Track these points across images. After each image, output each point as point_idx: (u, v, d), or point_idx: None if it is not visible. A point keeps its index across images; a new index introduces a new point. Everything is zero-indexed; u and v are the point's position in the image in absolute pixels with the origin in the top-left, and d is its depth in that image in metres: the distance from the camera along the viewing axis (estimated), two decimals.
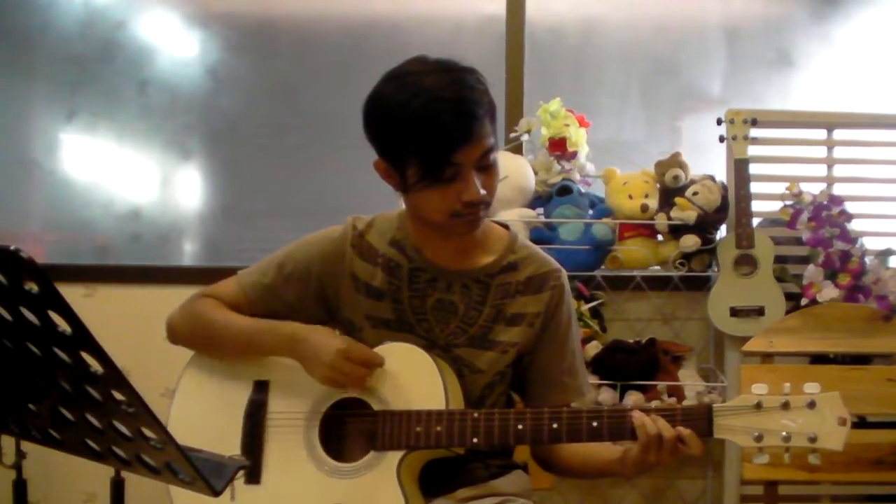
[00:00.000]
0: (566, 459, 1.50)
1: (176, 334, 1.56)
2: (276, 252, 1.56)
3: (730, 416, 1.30)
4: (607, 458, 1.42)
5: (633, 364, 2.32)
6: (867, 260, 2.28)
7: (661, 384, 2.33)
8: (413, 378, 1.42)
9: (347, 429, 1.46)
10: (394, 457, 1.39)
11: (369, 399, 1.43)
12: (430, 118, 1.31)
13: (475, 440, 1.38)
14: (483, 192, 1.37)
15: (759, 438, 1.28)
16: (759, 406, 1.29)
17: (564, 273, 1.56)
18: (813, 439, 1.27)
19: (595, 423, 1.35)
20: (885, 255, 2.32)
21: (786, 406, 1.28)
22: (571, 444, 1.46)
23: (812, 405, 1.28)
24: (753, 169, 2.40)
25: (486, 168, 1.38)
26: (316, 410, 1.45)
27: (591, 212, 2.44)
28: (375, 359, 1.41)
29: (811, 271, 2.27)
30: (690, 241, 2.37)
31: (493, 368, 1.49)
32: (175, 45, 3.01)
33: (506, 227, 1.58)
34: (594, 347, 2.35)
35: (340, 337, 1.44)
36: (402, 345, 1.45)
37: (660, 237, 2.47)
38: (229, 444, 1.47)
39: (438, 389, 1.39)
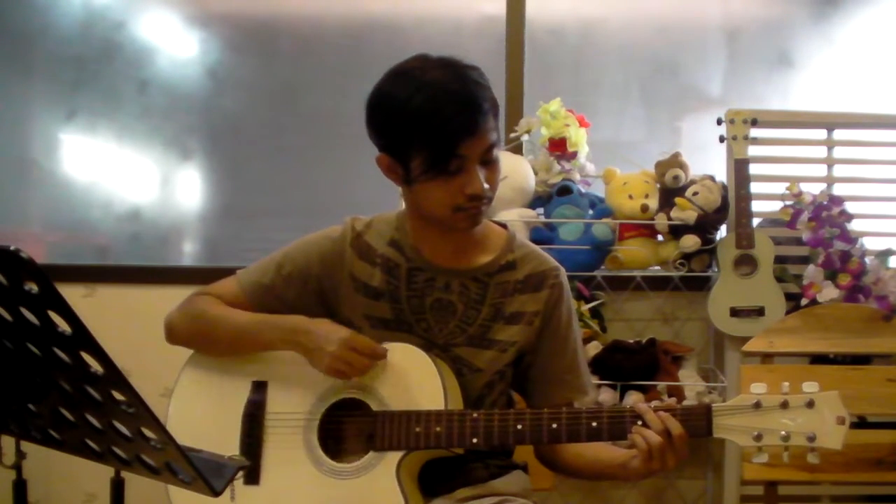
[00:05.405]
0: (570, 462, 1.50)
1: (174, 333, 1.55)
2: (275, 252, 1.56)
3: (729, 415, 1.30)
4: (611, 462, 1.41)
5: (634, 364, 2.32)
6: (867, 260, 2.28)
7: (661, 384, 2.33)
8: (412, 378, 1.42)
9: (346, 429, 1.46)
10: (393, 457, 1.39)
11: (368, 399, 1.43)
12: (437, 111, 1.31)
13: (475, 440, 1.38)
14: (486, 186, 1.37)
15: (758, 438, 1.28)
16: (757, 405, 1.29)
17: (563, 271, 1.56)
18: (812, 438, 1.27)
19: (594, 424, 1.35)
20: (885, 255, 2.32)
21: (784, 405, 1.28)
22: (575, 446, 1.47)
23: (811, 404, 1.28)
24: (753, 169, 2.40)
25: (490, 163, 1.38)
26: (315, 411, 1.45)
27: (591, 212, 2.44)
28: (379, 350, 1.41)
29: (811, 271, 2.27)
30: (690, 242, 2.37)
31: (493, 367, 1.49)
32: (175, 45, 3.01)
33: (504, 226, 1.58)
34: (594, 347, 2.35)
35: (343, 328, 1.43)
36: (401, 345, 1.45)
37: (660, 237, 2.47)
38: (228, 445, 1.47)
39: (438, 390, 1.39)
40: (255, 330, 1.47)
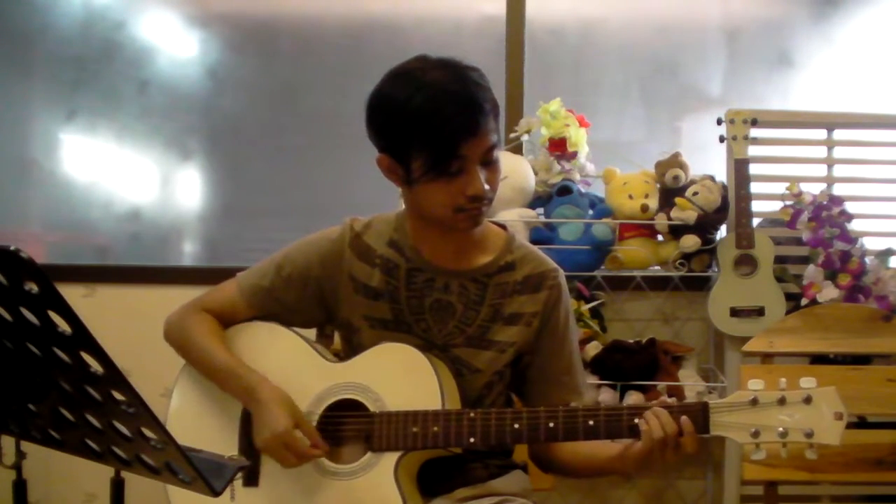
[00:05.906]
0: (567, 459, 1.50)
1: (169, 339, 1.57)
2: (274, 254, 1.56)
3: (726, 412, 1.29)
4: (608, 455, 1.42)
5: (634, 364, 2.32)
6: (867, 260, 2.28)
7: (661, 384, 2.32)
8: (409, 379, 1.42)
9: (344, 430, 1.46)
10: (391, 457, 1.39)
11: (365, 400, 1.43)
12: (437, 111, 1.31)
13: (472, 440, 1.38)
14: (487, 187, 1.37)
15: (755, 434, 1.28)
16: (755, 402, 1.28)
17: (562, 272, 1.56)
18: (809, 434, 1.26)
19: (591, 422, 1.35)
20: (885, 255, 2.32)
21: (782, 402, 1.27)
22: (571, 444, 1.47)
23: (808, 400, 1.27)
24: (753, 169, 2.40)
25: (490, 164, 1.38)
26: (312, 412, 1.45)
27: (591, 212, 2.44)
28: (315, 452, 1.39)
29: (811, 271, 2.27)
30: (690, 242, 2.37)
31: (492, 368, 1.49)
32: (175, 45, 3.01)
33: (503, 227, 1.58)
34: (594, 348, 2.35)
35: (287, 420, 1.38)
36: (398, 345, 1.45)
37: (660, 237, 2.47)
38: (227, 445, 1.47)
39: (434, 390, 1.39)
40: (223, 376, 1.47)
